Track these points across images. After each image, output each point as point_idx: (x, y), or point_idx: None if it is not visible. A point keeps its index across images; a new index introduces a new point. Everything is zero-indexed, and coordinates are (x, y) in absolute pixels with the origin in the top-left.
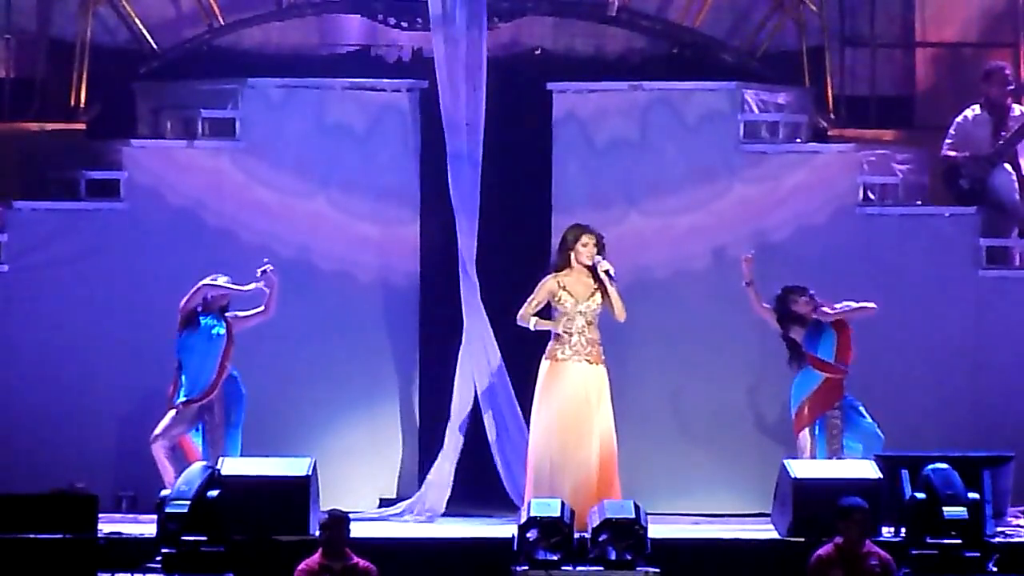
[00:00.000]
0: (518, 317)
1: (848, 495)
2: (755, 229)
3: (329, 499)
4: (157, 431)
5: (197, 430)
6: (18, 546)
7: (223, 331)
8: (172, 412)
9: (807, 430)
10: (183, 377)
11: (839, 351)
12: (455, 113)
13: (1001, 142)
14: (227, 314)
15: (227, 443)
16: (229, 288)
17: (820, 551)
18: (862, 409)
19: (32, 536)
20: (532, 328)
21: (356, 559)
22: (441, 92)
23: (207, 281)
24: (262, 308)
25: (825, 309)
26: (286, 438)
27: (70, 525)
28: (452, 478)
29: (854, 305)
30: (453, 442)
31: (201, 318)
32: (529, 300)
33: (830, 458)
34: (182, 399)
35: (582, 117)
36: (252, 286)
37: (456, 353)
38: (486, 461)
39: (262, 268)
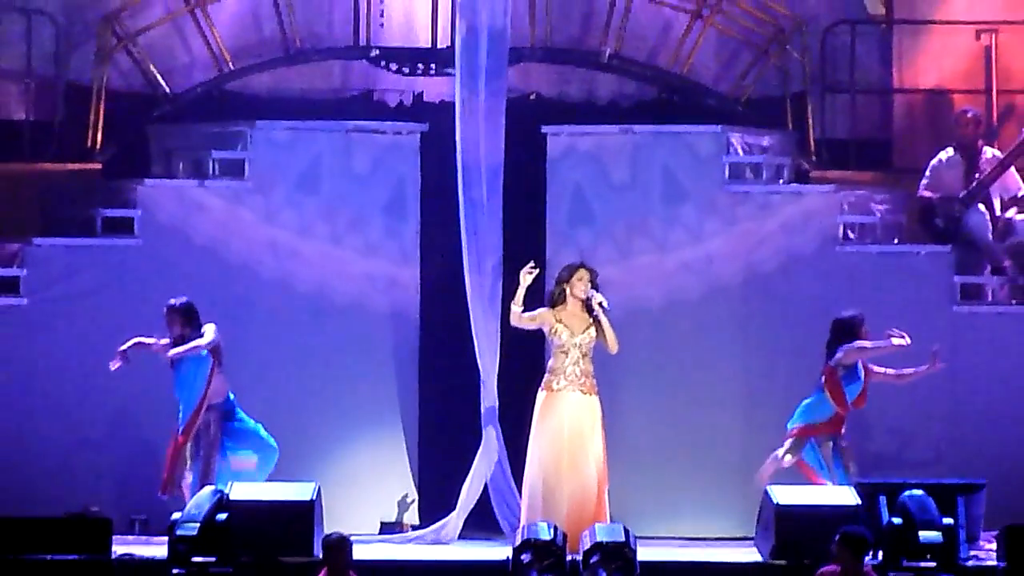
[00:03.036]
0: (511, 316)
1: (842, 523)
2: (741, 265)
3: (332, 522)
4: (165, 476)
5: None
6: (36, 567)
7: (203, 361)
8: (189, 445)
9: (790, 448)
10: (184, 400)
11: (863, 391)
12: (474, 159)
13: (974, 184)
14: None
15: (217, 469)
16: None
17: (821, 572)
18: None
19: (49, 558)
20: (517, 317)
21: None
22: (462, 138)
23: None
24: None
25: (876, 369)
26: (292, 464)
27: (85, 547)
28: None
29: (892, 372)
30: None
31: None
32: (529, 312)
33: (847, 470)
34: (184, 417)
35: (575, 158)
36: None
37: (453, 385)
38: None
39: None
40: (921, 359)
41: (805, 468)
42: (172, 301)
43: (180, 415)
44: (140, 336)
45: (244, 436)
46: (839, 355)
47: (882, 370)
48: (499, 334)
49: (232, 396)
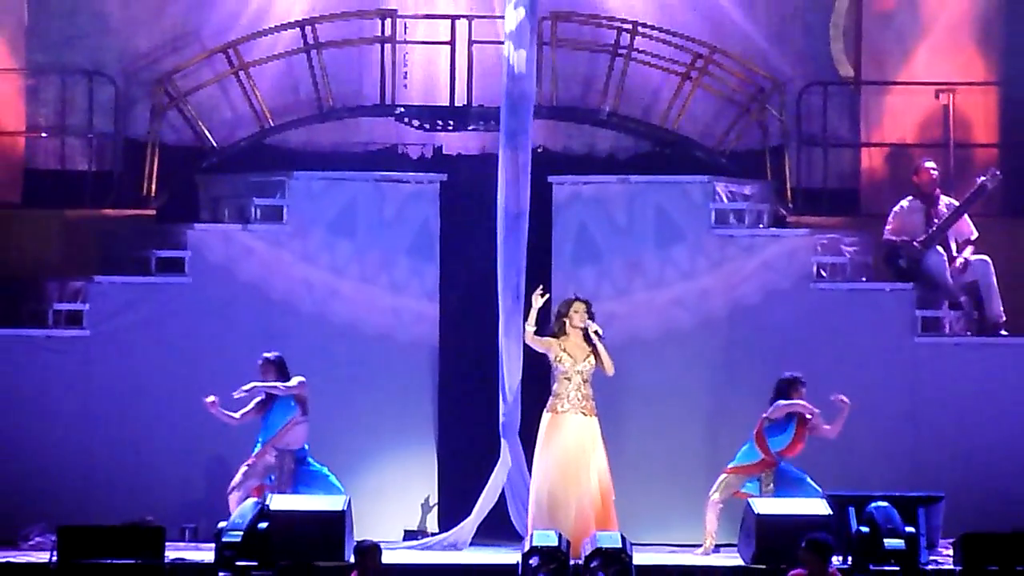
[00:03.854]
0: (524, 335)
1: (811, 531)
2: (726, 299)
3: (361, 530)
4: (233, 483)
5: (270, 480)
6: (99, 571)
7: (290, 406)
8: (244, 468)
9: (719, 487)
10: (260, 435)
11: (792, 442)
12: (512, 205)
13: (932, 228)
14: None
15: None
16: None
17: (791, 573)
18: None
19: (110, 562)
20: (529, 336)
21: None
22: (504, 189)
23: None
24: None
25: (819, 425)
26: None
27: (141, 552)
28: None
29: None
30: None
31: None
32: (540, 336)
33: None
34: (256, 451)
35: (578, 205)
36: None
37: (469, 405)
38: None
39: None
40: (884, 389)
41: (743, 495)
42: (266, 354)
43: (256, 446)
44: (255, 382)
45: (314, 480)
46: (769, 410)
47: (817, 424)
48: (521, 356)
49: (307, 446)
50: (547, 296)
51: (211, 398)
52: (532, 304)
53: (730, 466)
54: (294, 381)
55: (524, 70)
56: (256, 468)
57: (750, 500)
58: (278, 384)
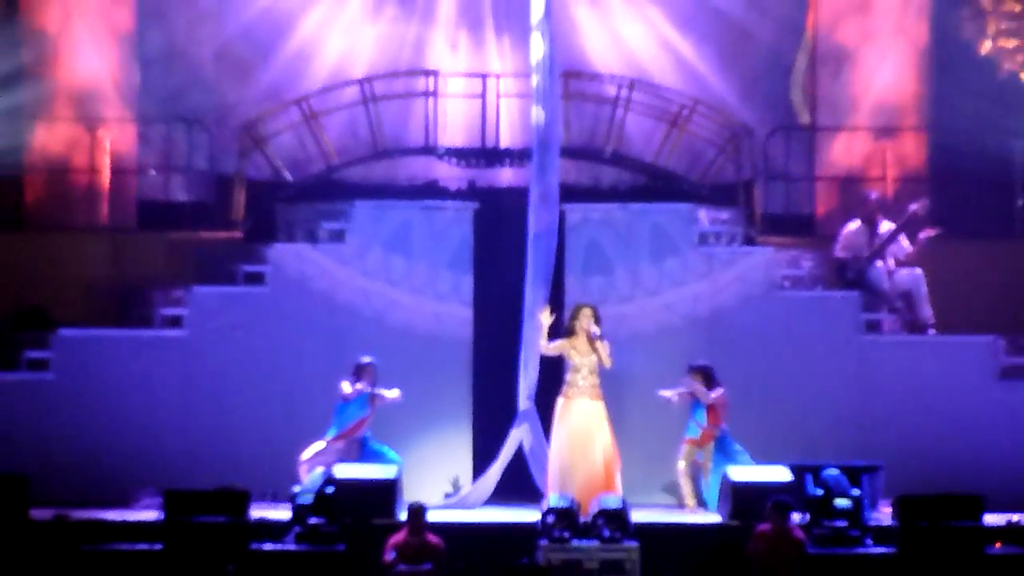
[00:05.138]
0: (541, 349)
1: (775, 493)
2: (707, 306)
3: (410, 494)
4: (305, 457)
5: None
6: (196, 527)
7: (364, 405)
8: (321, 444)
9: (686, 453)
10: (334, 424)
11: (709, 417)
12: (538, 226)
13: (875, 247)
14: (374, 391)
15: None
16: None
17: (756, 531)
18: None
19: (206, 520)
20: (543, 348)
21: (430, 536)
22: (534, 214)
23: (348, 390)
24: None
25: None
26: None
27: (232, 512)
28: (498, 478)
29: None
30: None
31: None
32: (551, 343)
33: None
34: (330, 436)
35: (587, 227)
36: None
37: (496, 395)
38: (520, 468)
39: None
40: (835, 377)
41: (699, 464)
42: (366, 359)
43: (330, 432)
44: (381, 389)
45: (374, 457)
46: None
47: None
48: (538, 363)
49: (369, 433)
50: (554, 316)
51: (394, 392)
52: (542, 322)
53: (687, 437)
54: (395, 393)
55: (549, 120)
56: (327, 452)
57: (727, 469)
58: (382, 392)
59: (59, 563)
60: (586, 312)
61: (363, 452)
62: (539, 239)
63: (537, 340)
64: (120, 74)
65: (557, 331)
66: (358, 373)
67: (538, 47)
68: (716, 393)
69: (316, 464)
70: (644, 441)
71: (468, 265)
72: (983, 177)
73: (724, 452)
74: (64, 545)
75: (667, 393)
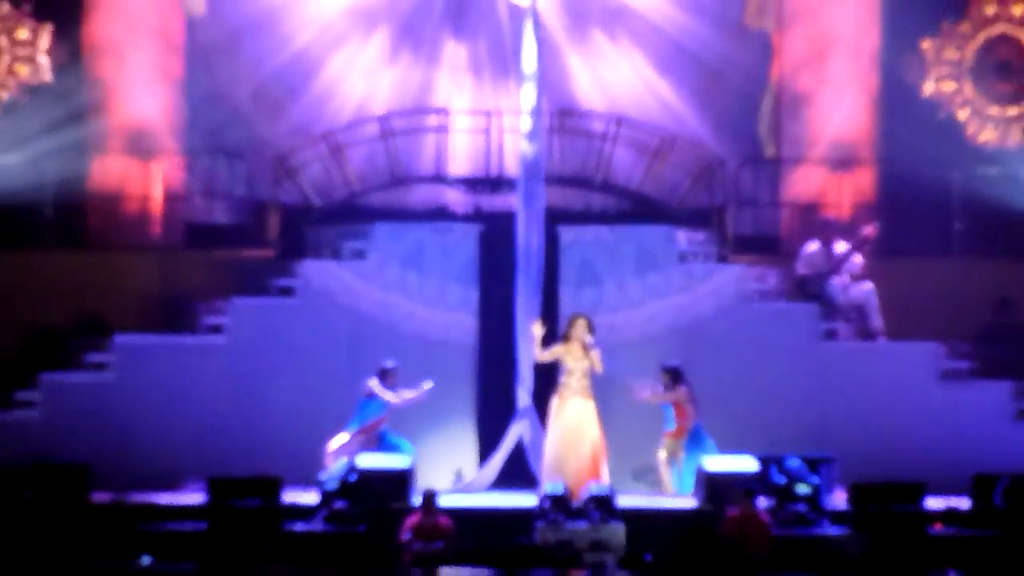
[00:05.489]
0: (535, 357)
1: (743, 480)
2: (687, 315)
3: (423, 481)
4: (331, 448)
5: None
6: (236, 510)
7: (383, 404)
8: (345, 437)
9: (666, 444)
10: (357, 419)
11: (676, 413)
12: (527, 243)
13: (831, 265)
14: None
15: None
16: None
17: (727, 514)
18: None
19: (243, 504)
20: (538, 356)
21: (441, 518)
22: (523, 232)
23: (379, 391)
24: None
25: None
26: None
27: (267, 496)
28: (500, 466)
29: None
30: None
31: (373, 396)
32: (548, 349)
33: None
34: (353, 430)
35: (579, 247)
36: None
37: (497, 395)
38: (519, 459)
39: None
40: (796, 379)
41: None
42: (389, 363)
43: (350, 424)
44: (405, 391)
45: (392, 448)
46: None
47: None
48: (532, 370)
49: (387, 427)
50: (545, 328)
51: (427, 384)
52: (535, 334)
53: (666, 430)
54: (427, 385)
55: (536, 155)
56: (350, 443)
57: (701, 460)
58: (390, 396)
59: (116, 541)
60: (581, 322)
61: (382, 444)
62: (528, 256)
63: (530, 345)
64: (170, 113)
65: (552, 339)
66: (383, 375)
67: (529, 94)
68: (673, 394)
69: (340, 455)
70: (629, 435)
71: (474, 279)
72: (925, 204)
73: (697, 443)
74: (120, 525)
75: (642, 393)
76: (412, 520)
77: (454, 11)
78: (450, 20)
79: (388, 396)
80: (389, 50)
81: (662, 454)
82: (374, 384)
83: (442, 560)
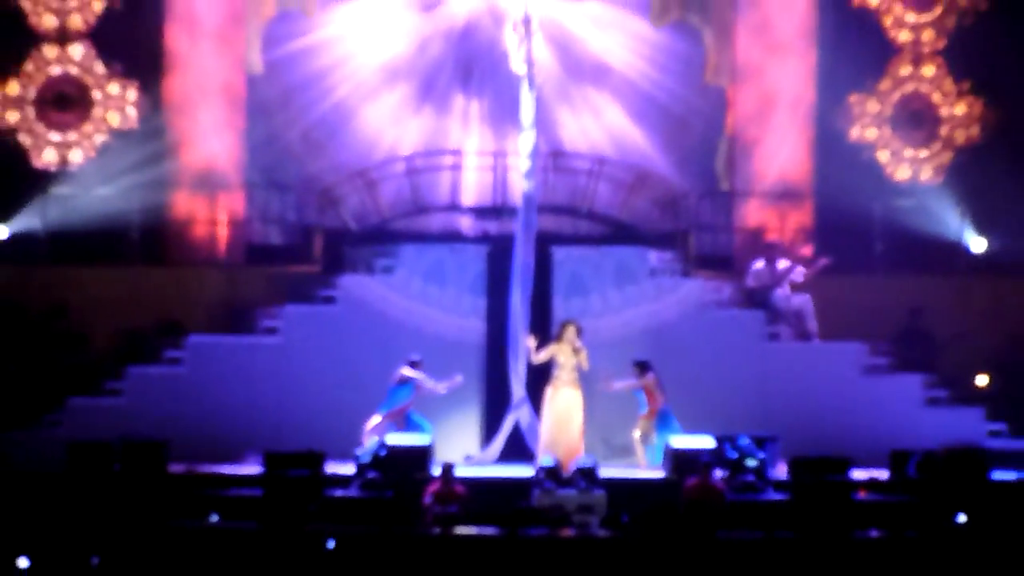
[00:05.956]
0: (531, 358)
1: (702, 455)
2: (656, 321)
3: (441, 455)
4: (368, 428)
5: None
6: (287, 479)
7: (411, 391)
8: (378, 419)
9: (640, 425)
10: (387, 403)
11: (648, 400)
12: (524, 261)
13: (775, 279)
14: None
15: None
16: (419, 379)
17: (689, 483)
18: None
19: (292, 473)
20: (535, 358)
21: (456, 486)
22: (520, 251)
23: (413, 375)
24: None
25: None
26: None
27: (312, 467)
28: (503, 444)
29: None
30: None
31: (403, 384)
32: (542, 350)
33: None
34: (384, 412)
35: (568, 265)
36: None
37: (501, 386)
38: (518, 438)
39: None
40: (745, 374)
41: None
42: (415, 357)
43: (382, 408)
44: (434, 382)
45: (416, 428)
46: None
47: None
48: (526, 353)
49: (412, 411)
50: (536, 342)
51: (458, 377)
52: (530, 346)
53: (640, 413)
54: (441, 386)
55: (533, 189)
56: (381, 425)
57: (668, 438)
58: (426, 382)
59: (189, 504)
60: (571, 328)
61: (408, 424)
62: (525, 272)
63: (523, 347)
64: (233, 154)
65: (546, 341)
66: (414, 365)
67: (528, 140)
68: (642, 381)
69: (373, 433)
70: (605, 419)
71: (483, 291)
72: (852, 230)
73: (665, 425)
74: (192, 491)
75: (616, 384)
76: (432, 487)
77: (464, 71)
78: (460, 78)
79: (428, 382)
80: (413, 102)
81: (636, 433)
82: (408, 371)
83: (457, 520)
